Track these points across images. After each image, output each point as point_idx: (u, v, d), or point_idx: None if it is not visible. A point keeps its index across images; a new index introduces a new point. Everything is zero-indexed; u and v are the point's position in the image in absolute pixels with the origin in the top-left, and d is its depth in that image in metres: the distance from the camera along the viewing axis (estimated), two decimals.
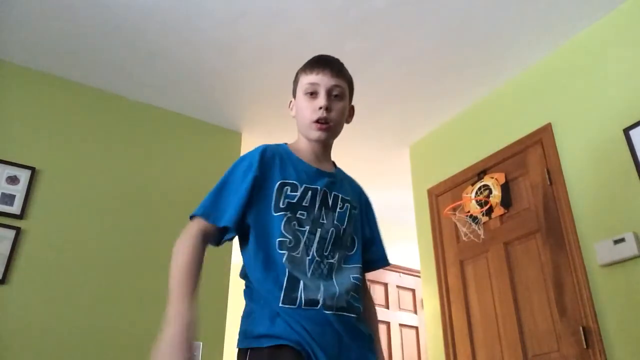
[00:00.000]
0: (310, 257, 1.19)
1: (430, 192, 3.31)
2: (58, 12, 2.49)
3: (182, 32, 2.63)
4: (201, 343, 2.74)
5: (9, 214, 2.51)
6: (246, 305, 1.22)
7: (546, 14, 2.53)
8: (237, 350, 1.16)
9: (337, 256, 1.24)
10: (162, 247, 2.83)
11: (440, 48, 2.75)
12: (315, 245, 1.21)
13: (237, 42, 2.70)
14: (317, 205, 1.25)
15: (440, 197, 3.22)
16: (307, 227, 1.21)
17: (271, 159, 1.27)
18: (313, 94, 1.30)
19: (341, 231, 1.27)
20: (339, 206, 1.30)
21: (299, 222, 1.21)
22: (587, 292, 2.27)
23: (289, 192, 1.23)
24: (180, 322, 1.02)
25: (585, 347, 2.22)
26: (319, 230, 1.23)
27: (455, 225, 3.02)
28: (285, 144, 1.37)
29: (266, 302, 1.15)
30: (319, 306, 1.12)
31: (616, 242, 2.20)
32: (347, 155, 3.66)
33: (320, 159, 1.36)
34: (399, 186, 3.98)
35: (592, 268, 2.30)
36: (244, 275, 1.25)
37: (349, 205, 1.32)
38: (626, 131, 2.29)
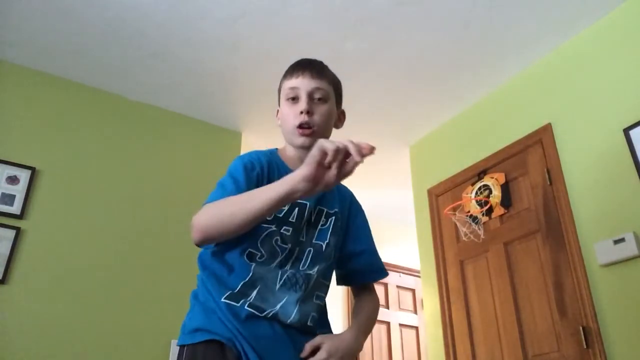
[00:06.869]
0: (283, 270, 1.14)
1: (430, 192, 3.31)
2: (58, 12, 2.49)
3: (182, 32, 2.63)
4: None
5: (9, 214, 2.51)
6: (190, 304, 1.18)
7: (546, 14, 2.53)
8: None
9: (316, 269, 1.19)
10: (162, 246, 2.86)
11: (440, 48, 2.75)
12: (290, 263, 1.16)
13: (237, 42, 2.70)
14: (303, 223, 1.19)
15: (440, 197, 3.22)
16: (289, 245, 1.16)
17: (256, 168, 1.19)
18: (294, 99, 1.24)
19: (323, 247, 1.22)
20: (321, 222, 1.23)
21: (282, 237, 1.16)
22: (587, 292, 2.27)
23: None
24: (291, 177, 0.98)
25: (585, 347, 2.22)
26: (297, 248, 1.18)
27: (455, 225, 3.02)
28: (276, 149, 1.31)
29: (209, 298, 1.12)
30: (263, 314, 1.10)
31: (616, 242, 2.20)
32: None
33: None
34: (399, 186, 3.97)
35: (592, 268, 2.30)
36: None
37: (333, 219, 1.25)
38: (626, 131, 2.29)
